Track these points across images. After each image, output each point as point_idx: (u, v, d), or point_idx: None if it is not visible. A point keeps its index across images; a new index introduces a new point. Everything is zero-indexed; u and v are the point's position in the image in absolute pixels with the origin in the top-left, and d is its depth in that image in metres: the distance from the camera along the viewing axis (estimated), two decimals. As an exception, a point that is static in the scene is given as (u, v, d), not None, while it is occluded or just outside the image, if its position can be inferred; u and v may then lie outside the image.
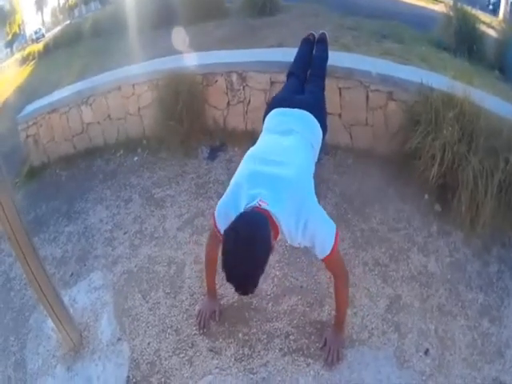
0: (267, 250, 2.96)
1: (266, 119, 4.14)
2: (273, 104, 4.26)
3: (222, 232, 3.15)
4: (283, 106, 4.08)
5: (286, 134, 3.76)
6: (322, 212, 3.35)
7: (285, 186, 3.24)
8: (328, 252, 3.30)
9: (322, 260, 3.45)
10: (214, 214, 3.56)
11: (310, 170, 3.63)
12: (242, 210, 3.14)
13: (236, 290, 3.00)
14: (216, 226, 3.51)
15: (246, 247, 2.84)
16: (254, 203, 3.11)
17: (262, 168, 3.38)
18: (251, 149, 3.72)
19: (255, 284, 2.97)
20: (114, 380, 4.08)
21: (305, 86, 4.74)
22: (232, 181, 3.52)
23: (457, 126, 4.67)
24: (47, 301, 4.11)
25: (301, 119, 3.94)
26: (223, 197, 3.51)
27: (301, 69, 4.95)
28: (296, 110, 4.00)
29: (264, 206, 3.09)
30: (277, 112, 4.08)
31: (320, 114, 4.13)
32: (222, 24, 10.82)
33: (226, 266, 2.89)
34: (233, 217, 3.05)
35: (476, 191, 4.49)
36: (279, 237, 3.26)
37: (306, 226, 3.20)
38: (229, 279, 2.92)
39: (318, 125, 3.99)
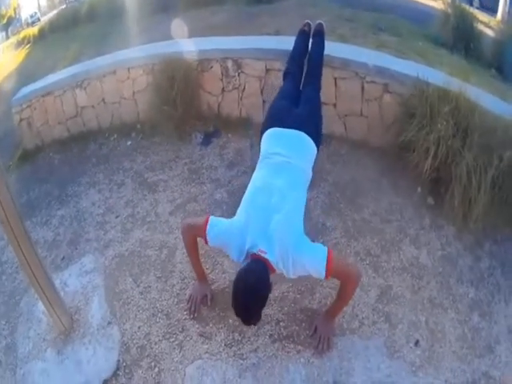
0: (268, 293, 3.41)
1: (263, 139, 4.21)
2: (270, 119, 4.36)
3: (209, 244, 3.75)
4: (280, 124, 4.16)
5: (279, 170, 3.88)
6: (307, 246, 3.56)
7: (275, 233, 3.50)
8: (324, 274, 3.44)
9: (325, 279, 3.61)
10: (207, 224, 3.71)
11: (300, 208, 3.81)
12: (244, 252, 3.54)
13: (243, 323, 3.48)
14: (205, 237, 3.72)
15: (252, 298, 3.31)
16: (255, 251, 3.48)
17: (260, 218, 3.59)
18: (250, 191, 3.87)
19: (259, 318, 3.46)
20: (103, 364, 4.08)
21: (301, 87, 4.78)
22: (237, 222, 3.68)
23: (451, 121, 4.69)
24: (38, 284, 4.08)
25: (295, 147, 4.02)
26: (228, 230, 3.67)
27: (297, 66, 4.96)
28: (291, 132, 4.07)
29: (263, 255, 3.46)
30: (273, 134, 4.15)
31: (315, 127, 4.25)
32: (219, 10, 10.84)
33: (236, 309, 3.35)
34: (233, 247, 3.60)
35: (469, 187, 4.51)
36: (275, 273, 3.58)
37: (295, 262, 3.46)
38: (238, 316, 3.40)
39: (313, 144, 4.08)
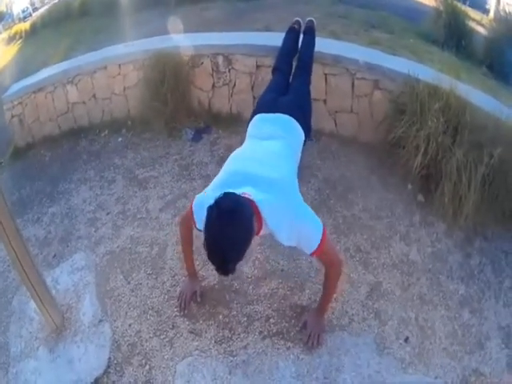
0: (249, 229, 2.96)
1: (249, 125, 4.17)
2: (257, 108, 4.31)
3: (197, 225, 3.41)
4: (266, 111, 4.13)
5: (268, 139, 3.83)
6: (308, 212, 3.35)
7: (270, 185, 3.26)
8: (315, 248, 3.31)
9: (311, 255, 3.43)
10: (192, 203, 3.53)
11: (293, 172, 3.68)
12: None
13: (216, 269, 2.96)
14: (193, 218, 3.49)
15: (228, 221, 2.82)
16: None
17: (246, 168, 3.41)
18: (235, 151, 3.78)
19: (235, 262, 2.93)
20: (95, 361, 4.07)
21: (290, 80, 4.79)
22: (215, 179, 3.52)
23: (442, 118, 4.70)
24: (30, 282, 4.07)
25: (282, 125, 3.97)
26: (205, 192, 3.46)
27: (286, 62, 4.98)
28: (278, 115, 4.04)
29: (248, 196, 3.09)
30: (259, 118, 4.12)
31: (303, 114, 4.18)
32: (210, 6, 10.84)
33: (208, 242, 2.87)
34: None
35: (459, 184, 4.53)
36: (263, 231, 3.26)
37: (293, 226, 3.22)
38: (210, 256, 2.90)
39: (300, 128, 4.03)
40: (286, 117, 4.01)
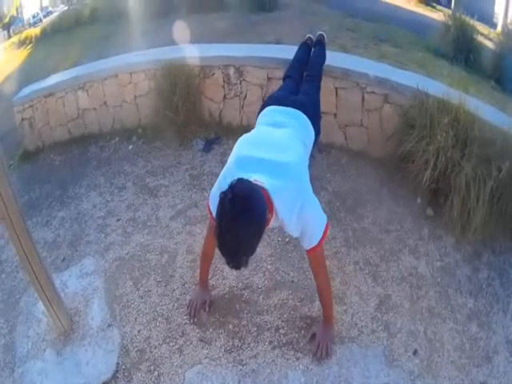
0: (263, 218, 2.91)
1: (259, 116, 4.16)
2: (267, 102, 4.29)
3: (214, 216, 3.03)
4: (277, 105, 4.11)
5: (278, 126, 3.77)
6: (317, 202, 3.34)
7: (281, 171, 3.20)
8: (315, 243, 3.33)
9: (308, 252, 3.44)
10: (208, 203, 3.55)
11: (304, 161, 3.60)
12: None
13: (228, 262, 2.92)
14: (210, 213, 3.47)
15: (243, 207, 2.75)
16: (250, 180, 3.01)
17: (256, 153, 3.33)
18: (243, 136, 3.67)
19: (248, 253, 2.92)
20: (103, 366, 4.08)
21: (300, 86, 4.78)
22: (224, 168, 3.45)
23: (451, 132, 4.71)
24: (39, 283, 4.08)
25: (294, 117, 3.94)
26: (216, 182, 3.45)
27: (297, 72, 5.00)
28: (289, 108, 4.02)
29: (259, 184, 3.02)
30: (270, 109, 4.10)
31: (313, 115, 4.14)
32: (221, 17, 10.91)
33: (221, 229, 2.81)
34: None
35: (468, 198, 4.54)
36: (272, 221, 3.16)
37: (301, 214, 3.18)
38: (221, 245, 2.85)
39: (311, 125, 4.01)
40: (298, 111, 3.99)
